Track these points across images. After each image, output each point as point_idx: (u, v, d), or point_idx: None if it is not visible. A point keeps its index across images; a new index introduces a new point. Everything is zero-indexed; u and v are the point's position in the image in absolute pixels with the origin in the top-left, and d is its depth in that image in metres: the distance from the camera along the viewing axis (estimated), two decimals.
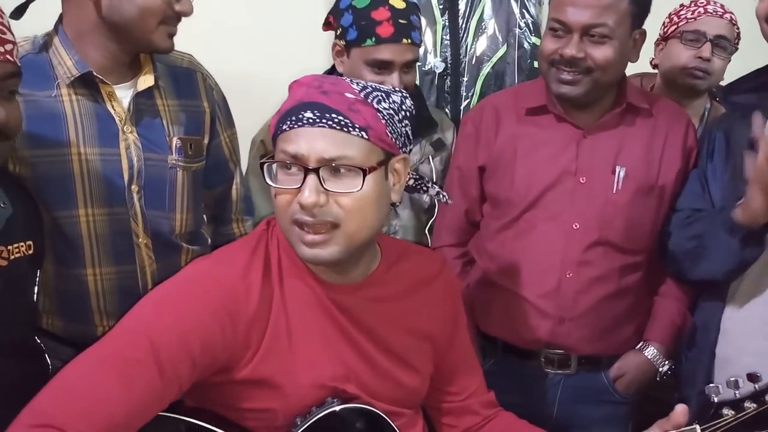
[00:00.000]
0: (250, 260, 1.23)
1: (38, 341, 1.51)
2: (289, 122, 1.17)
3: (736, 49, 2.23)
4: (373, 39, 1.83)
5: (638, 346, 1.87)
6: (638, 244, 1.80)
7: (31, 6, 1.55)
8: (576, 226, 1.77)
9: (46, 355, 1.50)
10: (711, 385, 1.24)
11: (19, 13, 1.52)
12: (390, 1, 1.85)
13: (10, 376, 1.33)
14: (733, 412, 1.23)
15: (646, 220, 1.80)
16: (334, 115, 1.15)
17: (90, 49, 1.57)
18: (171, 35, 1.59)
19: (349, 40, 1.87)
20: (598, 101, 1.79)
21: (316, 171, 1.15)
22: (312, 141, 1.15)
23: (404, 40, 1.85)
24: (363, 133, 1.16)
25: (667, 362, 1.85)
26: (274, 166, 1.18)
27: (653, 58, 2.31)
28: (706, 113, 2.25)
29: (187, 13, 1.58)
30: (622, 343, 1.86)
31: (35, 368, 1.45)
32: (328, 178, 1.15)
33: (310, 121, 1.15)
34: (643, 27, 1.77)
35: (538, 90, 1.85)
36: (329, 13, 1.96)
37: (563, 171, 1.78)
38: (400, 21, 1.84)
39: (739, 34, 2.22)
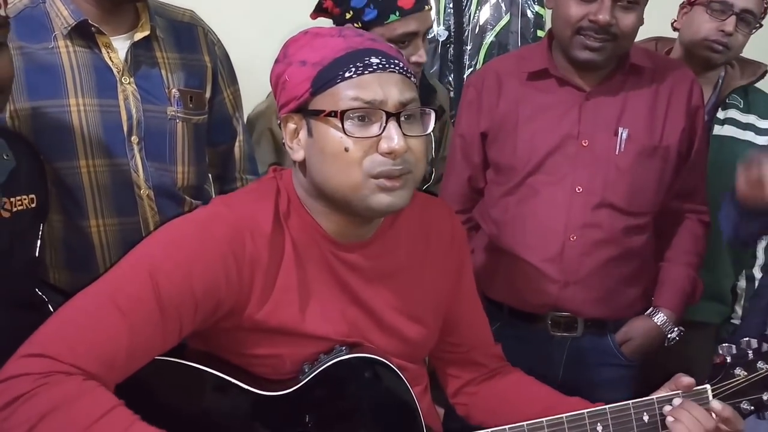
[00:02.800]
0: (259, 206, 1.16)
1: (40, 293, 1.46)
2: (353, 69, 1.09)
3: (761, 25, 2.11)
4: (397, 13, 1.72)
5: (647, 311, 1.82)
6: (642, 206, 1.75)
7: None
8: (579, 189, 1.72)
9: (50, 307, 1.45)
10: (724, 344, 1.21)
11: None
12: None
13: (13, 327, 1.28)
14: (745, 373, 1.19)
15: (650, 181, 1.75)
16: (396, 61, 1.12)
17: (81, 0, 1.54)
18: None
19: (368, 20, 1.74)
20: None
21: (396, 116, 1.09)
22: (386, 86, 1.09)
23: (426, 7, 1.77)
24: (413, 79, 1.13)
25: (676, 329, 1.81)
26: (348, 121, 1.07)
27: (675, 20, 2.18)
28: (720, 81, 2.15)
29: None
30: (628, 306, 1.82)
31: (39, 319, 1.40)
32: (402, 123, 1.10)
33: (380, 66, 1.09)
34: None
35: (539, 54, 1.80)
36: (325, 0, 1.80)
37: (566, 135, 1.73)
38: None
39: (766, 9, 2.09)
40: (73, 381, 0.99)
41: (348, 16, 1.77)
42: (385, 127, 1.08)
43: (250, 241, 1.12)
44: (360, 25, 1.74)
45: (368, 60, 1.10)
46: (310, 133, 1.13)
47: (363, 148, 1.08)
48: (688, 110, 1.77)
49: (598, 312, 1.78)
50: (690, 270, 1.84)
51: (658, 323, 1.81)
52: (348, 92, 1.08)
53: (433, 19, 1.87)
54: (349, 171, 1.09)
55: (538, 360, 1.78)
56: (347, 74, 1.09)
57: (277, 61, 1.18)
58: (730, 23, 2.02)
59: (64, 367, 1.00)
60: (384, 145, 1.08)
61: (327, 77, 1.10)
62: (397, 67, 1.11)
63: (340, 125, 1.08)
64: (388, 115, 1.08)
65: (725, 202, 1.58)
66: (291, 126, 1.16)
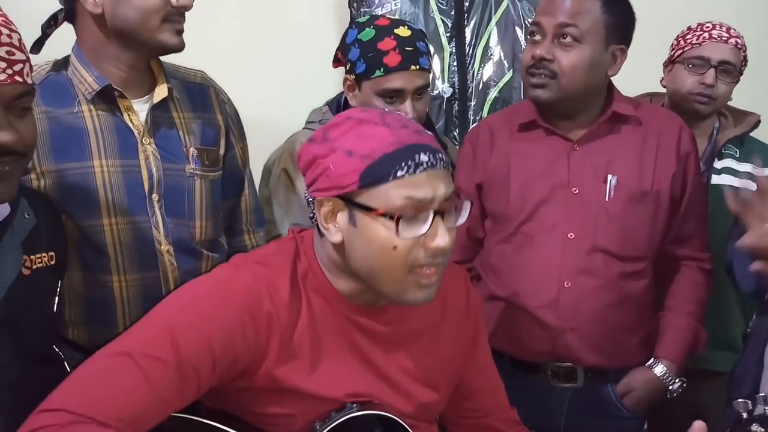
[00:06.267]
0: (277, 268, 1.14)
1: (57, 350, 1.44)
2: (405, 168, 1.06)
3: (742, 73, 2.14)
4: (382, 69, 1.76)
5: (648, 363, 1.77)
6: (636, 251, 1.73)
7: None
8: (571, 236, 1.70)
9: (66, 363, 1.43)
10: (740, 400, 1.16)
11: (38, 47, 1.51)
12: (395, 31, 1.78)
13: (30, 383, 1.26)
14: (762, 430, 1.14)
15: (642, 225, 1.73)
16: (440, 155, 1.11)
17: (106, 64, 1.55)
18: (179, 32, 1.55)
19: (359, 73, 1.80)
20: (583, 112, 1.74)
21: (441, 213, 1.09)
22: (434, 184, 1.08)
23: (412, 67, 1.79)
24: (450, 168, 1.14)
25: (677, 380, 1.75)
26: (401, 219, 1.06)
27: (663, 78, 2.22)
28: (715, 132, 2.16)
29: (187, 7, 1.54)
30: (628, 354, 1.76)
31: (55, 375, 1.37)
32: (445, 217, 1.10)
33: (430, 164, 1.08)
34: (633, 45, 1.73)
35: (528, 106, 1.81)
36: (337, 50, 1.89)
37: (556, 183, 1.72)
38: (407, 48, 1.78)
39: (745, 57, 2.13)
40: (90, 426, 0.98)
41: (347, 67, 1.85)
42: (431, 225, 1.07)
43: (267, 303, 1.10)
44: (355, 76, 1.80)
45: (418, 158, 1.07)
46: (353, 222, 1.10)
47: (410, 245, 1.08)
48: (678, 155, 1.76)
49: (596, 360, 1.73)
50: (691, 320, 1.79)
51: (659, 374, 1.75)
52: (400, 191, 1.07)
53: (430, 78, 1.89)
54: (393, 267, 1.09)
55: (539, 411, 1.74)
56: (399, 173, 1.07)
57: (313, 141, 1.14)
58: (709, 76, 2.06)
59: (82, 419, 0.98)
60: (431, 244, 1.08)
61: (378, 174, 1.07)
62: (442, 162, 1.11)
63: (393, 226, 1.06)
64: (435, 213, 1.08)
65: (738, 259, 1.52)
66: (327, 207, 1.12)
